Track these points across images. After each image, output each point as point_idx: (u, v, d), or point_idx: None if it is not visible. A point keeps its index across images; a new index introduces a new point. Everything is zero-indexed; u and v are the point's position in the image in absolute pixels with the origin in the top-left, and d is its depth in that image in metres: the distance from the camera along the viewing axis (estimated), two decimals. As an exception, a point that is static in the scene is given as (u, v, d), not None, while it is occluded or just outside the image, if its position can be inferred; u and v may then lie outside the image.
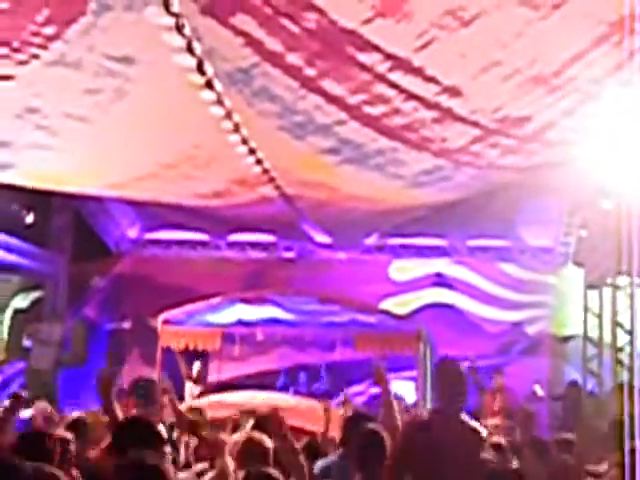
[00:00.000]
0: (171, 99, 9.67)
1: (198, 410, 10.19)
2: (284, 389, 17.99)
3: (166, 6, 7.35)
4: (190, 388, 16.61)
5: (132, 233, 20.28)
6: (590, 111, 9.99)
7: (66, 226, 19.32)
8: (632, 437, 6.28)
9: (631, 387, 14.44)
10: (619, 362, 15.65)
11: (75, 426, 7.62)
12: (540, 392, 16.95)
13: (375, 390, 18.18)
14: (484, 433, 6.87)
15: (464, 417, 6.41)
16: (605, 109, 9.86)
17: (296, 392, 17.61)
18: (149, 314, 17.90)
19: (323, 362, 18.92)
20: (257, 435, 6.58)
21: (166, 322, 17.01)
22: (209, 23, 7.79)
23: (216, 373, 18.37)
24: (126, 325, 19.97)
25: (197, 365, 17.05)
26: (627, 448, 6.17)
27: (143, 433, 5.10)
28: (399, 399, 12.14)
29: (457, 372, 6.47)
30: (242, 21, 7.75)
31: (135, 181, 13.57)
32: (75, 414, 8.43)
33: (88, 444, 7.47)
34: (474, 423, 6.62)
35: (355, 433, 6.78)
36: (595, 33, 7.91)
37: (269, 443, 6.40)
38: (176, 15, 7.57)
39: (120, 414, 6.37)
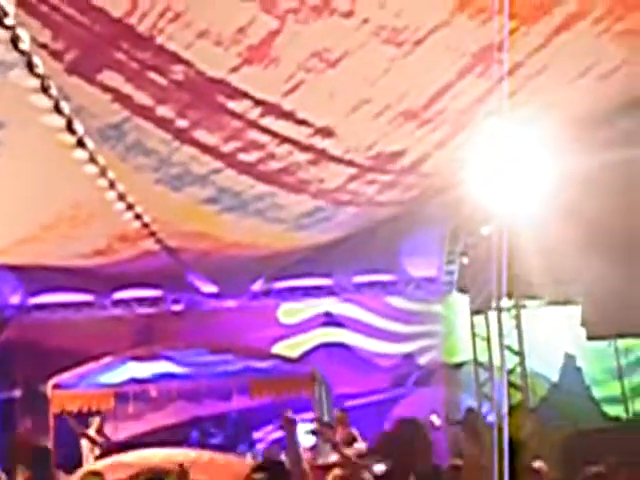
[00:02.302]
0: (44, 160, 9.56)
1: (98, 474, 9.98)
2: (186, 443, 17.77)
3: (30, 68, 7.29)
4: (86, 447, 16.22)
5: (15, 299, 19.87)
6: (461, 141, 10.20)
7: (-54, 299, 18.85)
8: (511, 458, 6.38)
9: (524, 408, 14.73)
10: (511, 384, 15.89)
11: None
12: (437, 421, 17.10)
13: (275, 435, 18.13)
14: None
15: None
16: (476, 138, 10.07)
17: (198, 445, 17.43)
18: (40, 380, 17.53)
19: (219, 413, 18.78)
20: None
21: (57, 387, 16.71)
22: (75, 81, 7.75)
23: (113, 433, 18.07)
24: (16, 393, 19.52)
25: (96, 420, 16.59)
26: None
27: None
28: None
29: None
30: (109, 77, 7.74)
31: (14, 245, 13.34)
32: None
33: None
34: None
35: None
36: (459, 65, 8.11)
37: None
38: (41, 76, 7.51)
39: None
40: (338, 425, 15.11)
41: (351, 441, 13.99)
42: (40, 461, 15.18)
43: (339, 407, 16.08)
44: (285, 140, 9.40)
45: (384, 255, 18.87)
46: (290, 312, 20.04)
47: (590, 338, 15.90)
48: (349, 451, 13.95)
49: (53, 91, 7.83)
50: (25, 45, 6.94)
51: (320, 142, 9.61)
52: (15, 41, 6.75)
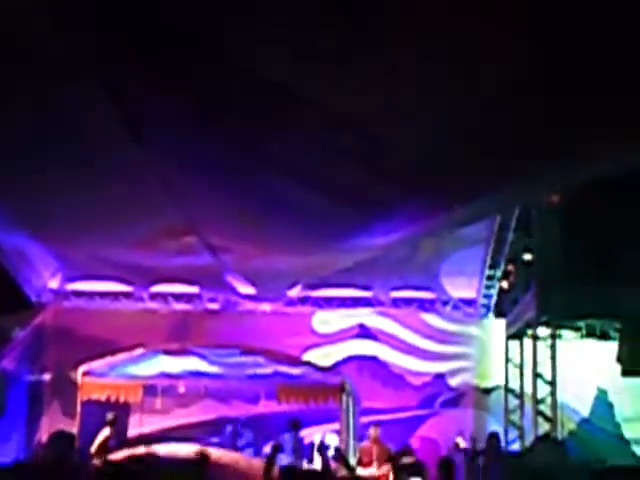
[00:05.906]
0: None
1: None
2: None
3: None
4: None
5: (54, 284, 20.00)
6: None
7: (-15, 277, 18.99)
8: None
9: (552, 439, 14.61)
10: (540, 413, 15.78)
11: None
12: (463, 443, 17.02)
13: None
14: None
15: None
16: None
17: (220, 445, 17.45)
18: (70, 366, 17.62)
19: (246, 415, 18.84)
20: None
21: (87, 374, 16.79)
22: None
23: (138, 426, 18.14)
24: (46, 377, 19.64)
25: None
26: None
27: None
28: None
29: None
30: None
31: (58, 230, 13.42)
32: None
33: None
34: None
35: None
36: None
37: None
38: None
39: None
40: (373, 442, 15.09)
41: (388, 458, 14.03)
42: (64, 446, 15.27)
43: (375, 423, 16.00)
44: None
45: (424, 272, 18.84)
46: (325, 321, 20.03)
47: (625, 374, 15.70)
48: (385, 468, 14.04)
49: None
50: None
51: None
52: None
